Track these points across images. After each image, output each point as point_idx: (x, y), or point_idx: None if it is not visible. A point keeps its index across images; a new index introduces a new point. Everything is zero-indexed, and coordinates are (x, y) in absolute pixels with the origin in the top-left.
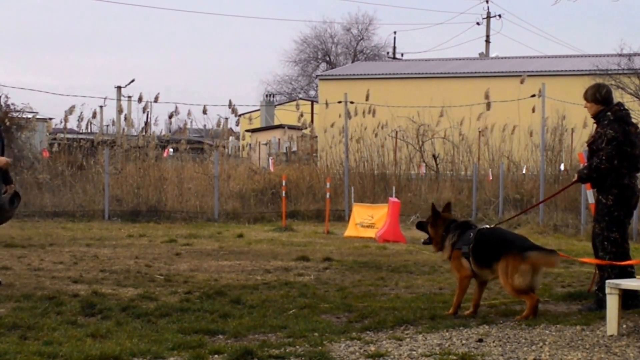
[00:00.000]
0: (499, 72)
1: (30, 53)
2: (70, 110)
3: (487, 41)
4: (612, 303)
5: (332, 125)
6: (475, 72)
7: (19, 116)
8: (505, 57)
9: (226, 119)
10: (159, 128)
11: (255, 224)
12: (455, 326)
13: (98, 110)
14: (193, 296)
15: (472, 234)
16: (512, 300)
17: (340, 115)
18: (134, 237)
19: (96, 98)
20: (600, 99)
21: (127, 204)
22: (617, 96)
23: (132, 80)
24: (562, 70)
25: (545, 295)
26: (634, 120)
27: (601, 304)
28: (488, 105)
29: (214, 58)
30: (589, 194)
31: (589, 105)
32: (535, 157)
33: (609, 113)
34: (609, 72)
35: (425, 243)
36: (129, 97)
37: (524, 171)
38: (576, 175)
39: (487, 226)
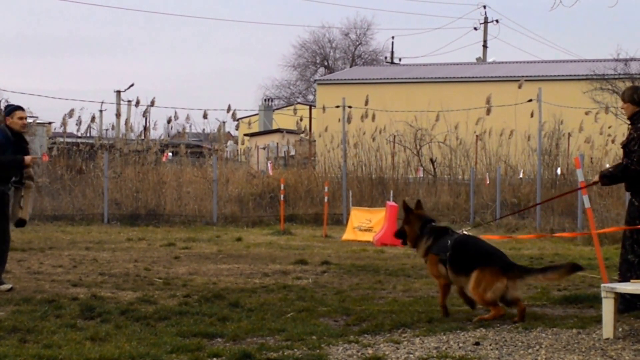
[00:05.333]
0: (496, 76)
1: (30, 57)
2: (70, 114)
3: (485, 46)
4: (608, 307)
5: (326, 129)
6: (473, 77)
7: None
8: (502, 62)
9: (223, 122)
10: (158, 132)
11: (253, 227)
12: (453, 329)
13: (97, 114)
14: (192, 299)
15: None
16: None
17: (338, 120)
18: (133, 241)
19: (96, 102)
20: (637, 99)
21: (126, 207)
22: (613, 101)
23: (132, 85)
24: (559, 75)
25: (543, 299)
26: (627, 126)
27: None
28: (488, 110)
29: (213, 62)
30: (586, 199)
31: (625, 106)
32: (532, 161)
33: None
34: (606, 77)
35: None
36: (129, 101)
37: (521, 175)
38: (597, 176)
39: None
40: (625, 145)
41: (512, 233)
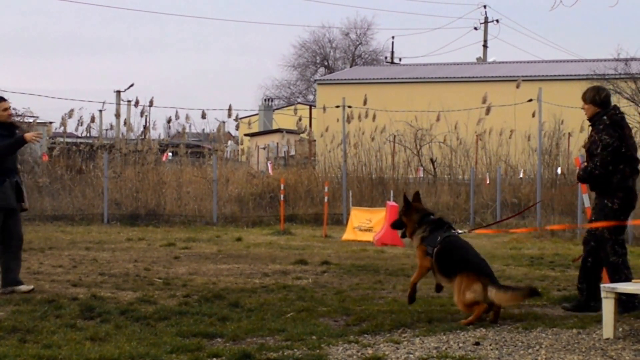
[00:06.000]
0: (496, 76)
1: (29, 57)
2: (70, 114)
3: (485, 46)
4: (608, 307)
5: (326, 129)
6: (473, 77)
7: (20, 121)
8: (502, 62)
9: (223, 122)
10: (158, 132)
11: (253, 227)
12: (453, 329)
13: (97, 114)
14: (191, 299)
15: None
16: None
17: (338, 120)
18: (133, 241)
19: (95, 102)
20: (599, 101)
21: (126, 207)
22: (614, 101)
23: (132, 85)
24: (559, 75)
25: (543, 299)
26: (630, 125)
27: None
28: (487, 110)
29: (213, 62)
30: (586, 198)
31: (586, 107)
32: (532, 161)
33: (604, 117)
34: (606, 77)
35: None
36: (128, 101)
37: (521, 175)
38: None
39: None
40: (588, 149)
41: (513, 233)
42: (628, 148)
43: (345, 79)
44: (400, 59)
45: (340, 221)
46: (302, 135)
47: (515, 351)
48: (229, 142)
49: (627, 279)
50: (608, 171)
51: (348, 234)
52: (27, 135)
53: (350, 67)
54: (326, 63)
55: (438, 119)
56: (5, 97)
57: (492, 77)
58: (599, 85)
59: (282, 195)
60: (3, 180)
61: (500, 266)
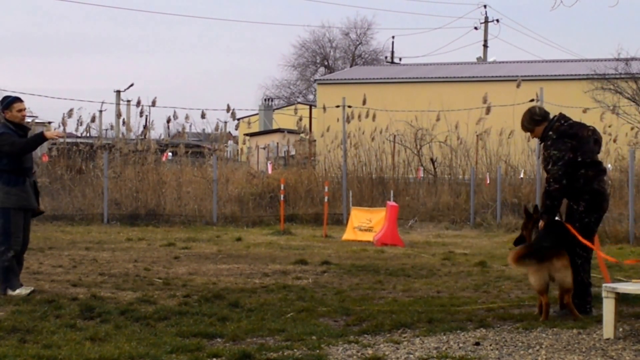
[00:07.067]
0: (496, 76)
1: (30, 57)
2: (70, 114)
3: (485, 46)
4: (609, 307)
5: (327, 129)
6: (473, 77)
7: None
8: (503, 62)
9: (225, 122)
10: (158, 132)
11: (253, 227)
12: (453, 329)
13: (97, 114)
14: (191, 300)
15: None
16: (510, 304)
17: (338, 120)
18: (133, 241)
19: (96, 102)
20: (539, 118)
21: (126, 207)
22: (615, 101)
23: (132, 85)
24: (559, 75)
25: None
26: (629, 126)
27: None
28: (487, 110)
29: (213, 62)
30: None
31: (535, 134)
32: (532, 161)
33: (550, 132)
34: (607, 77)
35: None
36: (128, 101)
37: (521, 175)
38: (542, 223)
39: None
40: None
41: (513, 232)
42: (585, 155)
43: (345, 79)
44: (400, 59)
45: (340, 221)
46: (302, 135)
47: (515, 351)
48: (229, 142)
49: (583, 282)
50: (562, 185)
51: (348, 234)
52: (48, 133)
53: (350, 67)
54: (326, 63)
55: (438, 119)
56: (22, 99)
57: (493, 77)
58: (529, 107)
59: (282, 195)
60: (24, 180)
61: (500, 266)
